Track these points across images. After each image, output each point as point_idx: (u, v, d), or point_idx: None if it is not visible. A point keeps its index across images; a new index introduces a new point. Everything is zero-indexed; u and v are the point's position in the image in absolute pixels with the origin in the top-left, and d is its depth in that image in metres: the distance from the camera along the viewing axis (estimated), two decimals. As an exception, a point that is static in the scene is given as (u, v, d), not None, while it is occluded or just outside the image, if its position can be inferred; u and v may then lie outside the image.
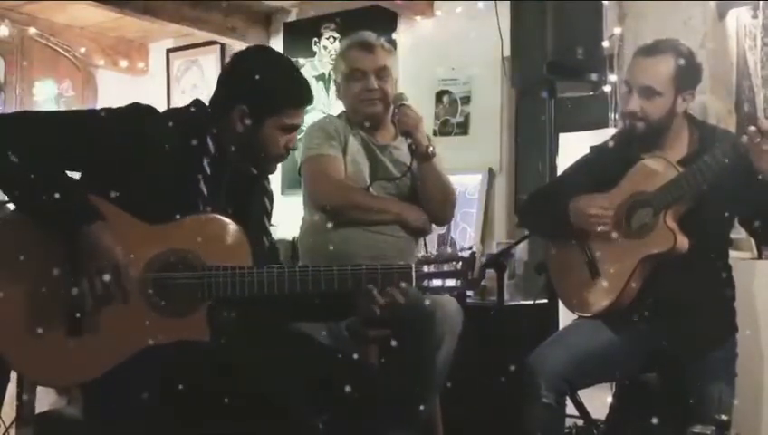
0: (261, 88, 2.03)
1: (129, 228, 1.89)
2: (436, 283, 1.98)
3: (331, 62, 4.63)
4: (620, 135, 2.57)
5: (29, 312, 1.85)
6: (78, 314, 1.85)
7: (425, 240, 2.86)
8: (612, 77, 3.52)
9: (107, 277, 1.82)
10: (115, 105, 2.03)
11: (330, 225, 2.72)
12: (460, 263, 1.96)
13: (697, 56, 2.43)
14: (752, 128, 2.13)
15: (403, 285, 1.98)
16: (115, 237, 1.85)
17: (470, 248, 2.00)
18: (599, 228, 2.36)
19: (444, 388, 2.71)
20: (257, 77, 2.04)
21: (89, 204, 1.86)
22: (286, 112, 2.05)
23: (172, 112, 2.10)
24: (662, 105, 2.34)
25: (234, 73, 2.13)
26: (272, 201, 2.25)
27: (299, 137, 2.25)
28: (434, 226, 2.90)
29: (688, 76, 2.36)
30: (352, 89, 2.84)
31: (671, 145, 2.41)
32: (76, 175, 1.97)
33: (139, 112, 1.99)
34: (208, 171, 1.99)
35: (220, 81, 2.13)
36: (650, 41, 2.45)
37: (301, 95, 2.09)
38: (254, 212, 2.15)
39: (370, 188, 2.80)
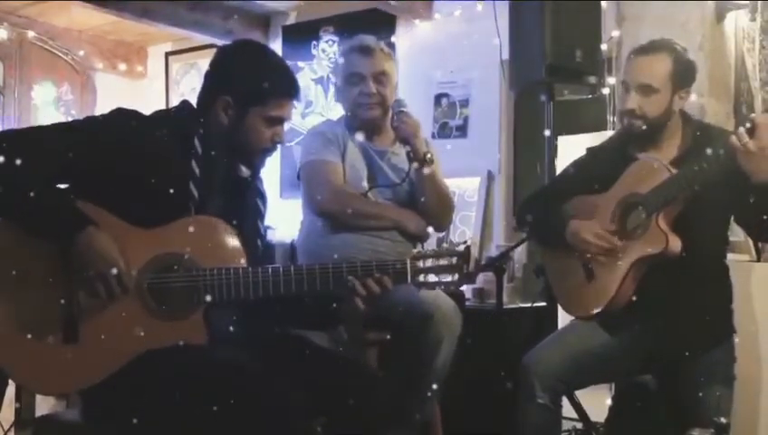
0: (244, 78, 2.02)
1: (123, 234, 1.88)
2: (432, 278, 1.96)
3: (330, 65, 4.64)
4: (617, 136, 2.58)
5: (25, 321, 1.84)
6: (76, 320, 1.84)
7: (422, 244, 2.86)
8: (611, 80, 3.53)
9: (106, 279, 1.82)
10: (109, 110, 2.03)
11: (328, 229, 2.72)
12: (455, 257, 1.95)
13: (695, 58, 2.44)
14: (741, 129, 2.13)
15: (385, 278, 1.96)
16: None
17: (464, 242, 1.98)
18: (589, 255, 2.36)
19: (443, 390, 2.71)
20: (240, 68, 2.04)
21: (79, 211, 1.85)
22: (270, 103, 2.03)
23: (158, 115, 2.08)
24: (660, 102, 2.35)
25: (218, 66, 2.11)
26: (265, 203, 2.23)
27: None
28: (432, 230, 2.90)
29: (684, 74, 2.38)
30: (351, 93, 2.84)
31: (667, 144, 2.41)
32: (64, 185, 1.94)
33: (122, 118, 1.98)
34: (198, 172, 1.98)
35: (205, 75, 2.12)
36: (646, 43, 2.46)
37: (285, 86, 2.06)
38: (248, 214, 2.14)
39: (369, 194, 2.80)
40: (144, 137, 1.95)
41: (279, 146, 2.13)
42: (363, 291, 1.96)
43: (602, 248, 2.33)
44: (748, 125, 2.12)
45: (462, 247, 1.96)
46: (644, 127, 2.36)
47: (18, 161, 1.80)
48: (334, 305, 2.07)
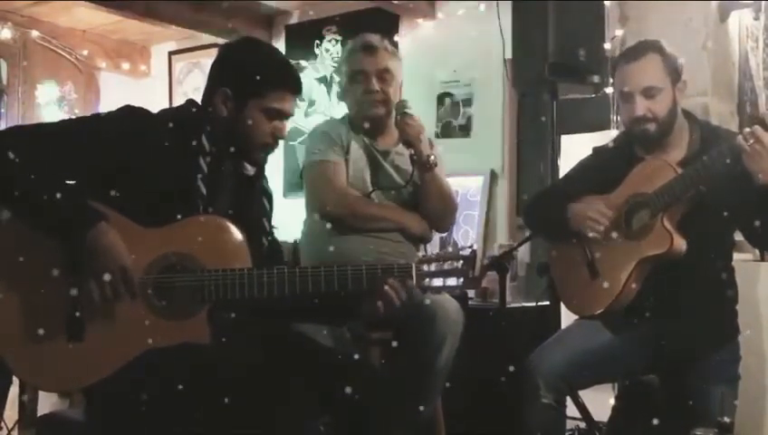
0: (243, 70, 2.03)
1: (128, 232, 1.88)
2: (437, 282, 1.96)
3: (333, 64, 4.64)
4: (623, 137, 2.58)
5: (30, 317, 1.85)
6: (81, 318, 1.85)
7: (425, 245, 2.86)
8: (614, 79, 3.51)
9: (113, 276, 1.82)
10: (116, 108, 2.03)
11: (331, 231, 2.71)
12: (461, 261, 1.95)
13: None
14: (747, 129, 2.13)
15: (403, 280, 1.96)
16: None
17: (470, 247, 1.98)
18: (591, 234, 2.36)
19: (445, 389, 2.71)
20: (241, 61, 2.06)
21: (90, 207, 1.85)
22: (269, 96, 2.03)
23: (165, 113, 2.08)
24: (666, 100, 2.36)
25: (219, 61, 2.13)
26: (271, 202, 2.23)
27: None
28: (435, 231, 2.90)
29: (674, 66, 2.39)
30: (354, 90, 2.84)
31: (673, 145, 2.41)
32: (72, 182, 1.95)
33: (130, 115, 1.99)
34: (204, 170, 1.98)
35: (209, 73, 2.13)
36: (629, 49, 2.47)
37: (284, 79, 2.07)
38: (254, 213, 2.14)
39: (372, 195, 2.79)
40: (151, 134, 1.95)
41: (280, 142, 2.13)
42: (396, 298, 1.95)
43: (605, 222, 2.32)
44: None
45: (467, 252, 1.96)
46: (656, 130, 2.36)
47: (25, 158, 1.80)
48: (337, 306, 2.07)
